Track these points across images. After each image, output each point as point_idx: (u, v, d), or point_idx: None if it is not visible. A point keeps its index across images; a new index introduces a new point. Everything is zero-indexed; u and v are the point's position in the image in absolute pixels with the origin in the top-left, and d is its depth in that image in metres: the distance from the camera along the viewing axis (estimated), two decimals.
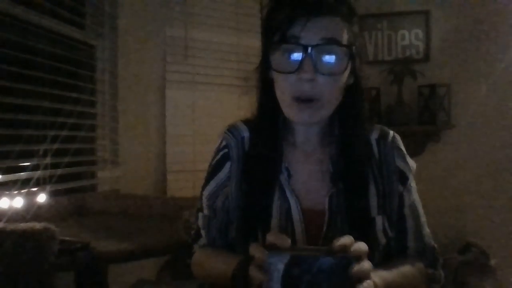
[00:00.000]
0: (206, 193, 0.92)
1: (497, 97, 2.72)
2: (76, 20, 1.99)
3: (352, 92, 0.84)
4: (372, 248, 0.71)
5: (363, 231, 0.76)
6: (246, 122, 0.93)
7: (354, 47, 0.79)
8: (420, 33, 2.84)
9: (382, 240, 0.83)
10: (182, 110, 2.44)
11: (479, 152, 2.73)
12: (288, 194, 0.83)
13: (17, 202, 1.50)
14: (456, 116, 2.73)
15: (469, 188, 2.72)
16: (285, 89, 0.79)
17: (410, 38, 2.86)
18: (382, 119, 2.71)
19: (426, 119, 2.70)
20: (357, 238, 0.66)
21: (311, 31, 0.75)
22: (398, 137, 0.90)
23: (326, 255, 0.61)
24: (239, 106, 2.51)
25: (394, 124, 2.61)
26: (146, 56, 2.34)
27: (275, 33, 0.78)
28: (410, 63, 2.72)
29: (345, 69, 0.77)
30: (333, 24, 0.77)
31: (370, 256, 0.65)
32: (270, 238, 0.65)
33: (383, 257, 0.85)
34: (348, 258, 0.61)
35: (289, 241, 0.64)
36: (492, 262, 2.25)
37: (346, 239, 0.63)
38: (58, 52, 1.85)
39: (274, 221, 0.82)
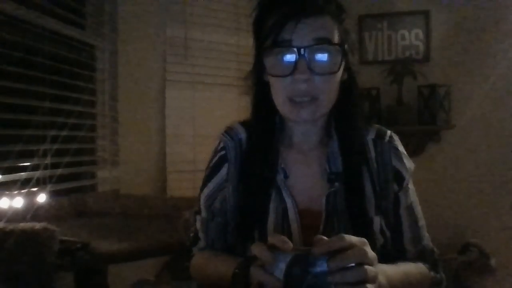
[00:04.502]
0: (204, 195, 0.91)
1: (497, 97, 2.72)
2: (76, 20, 1.99)
3: (347, 88, 0.84)
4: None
5: (361, 231, 0.73)
6: (243, 123, 0.93)
7: (346, 45, 0.79)
8: (420, 33, 2.84)
9: (380, 241, 0.82)
10: (182, 110, 2.44)
11: (479, 152, 2.73)
12: (284, 194, 0.83)
13: (17, 202, 1.50)
14: (456, 116, 2.72)
15: (469, 188, 2.72)
16: (281, 91, 0.79)
17: (410, 38, 2.86)
18: (382, 119, 2.71)
19: (426, 119, 2.69)
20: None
21: (302, 33, 0.75)
22: (396, 137, 0.89)
23: (328, 255, 0.61)
24: (239, 106, 2.51)
25: (394, 124, 2.60)
26: (146, 56, 2.33)
27: (267, 37, 0.78)
28: (410, 63, 2.71)
29: (340, 67, 0.77)
30: (323, 24, 0.77)
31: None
32: (272, 240, 0.65)
33: (381, 259, 0.84)
34: None
35: (291, 244, 0.63)
36: (492, 262, 2.25)
37: (341, 242, 0.62)
38: (58, 52, 1.85)
39: (271, 221, 0.82)
